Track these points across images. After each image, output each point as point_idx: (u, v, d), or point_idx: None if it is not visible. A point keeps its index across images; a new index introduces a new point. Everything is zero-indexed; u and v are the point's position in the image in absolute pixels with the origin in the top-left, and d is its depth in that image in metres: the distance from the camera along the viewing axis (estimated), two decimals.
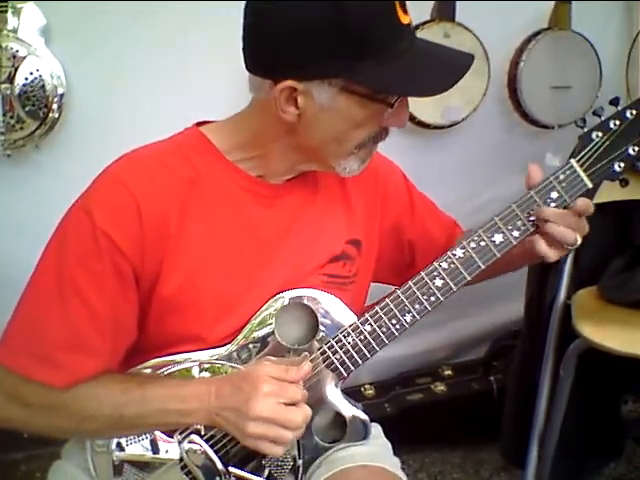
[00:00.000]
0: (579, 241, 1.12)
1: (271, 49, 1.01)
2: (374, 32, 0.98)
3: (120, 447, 1.10)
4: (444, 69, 1.03)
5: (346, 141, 1.06)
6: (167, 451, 1.10)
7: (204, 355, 1.10)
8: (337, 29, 0.96)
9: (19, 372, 1.03)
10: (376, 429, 1.25)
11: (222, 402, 1.01)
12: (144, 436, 1.10)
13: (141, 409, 1.03)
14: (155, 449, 1.10)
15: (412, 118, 2.07)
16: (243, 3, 1.04)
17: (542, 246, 1.12)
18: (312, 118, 1.03)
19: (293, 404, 0.99)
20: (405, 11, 1.02)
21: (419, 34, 2.00)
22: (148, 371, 1.10)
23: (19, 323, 1.05)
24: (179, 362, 1.09)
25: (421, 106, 2.05)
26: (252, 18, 1.03)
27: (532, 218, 1.12)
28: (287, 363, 1.06)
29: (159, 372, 1.09)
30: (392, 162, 1.31)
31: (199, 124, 1.14)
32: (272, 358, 1.09)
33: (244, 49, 1.05)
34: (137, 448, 1.10)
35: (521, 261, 1.27)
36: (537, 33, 2.18)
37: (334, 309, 1.12)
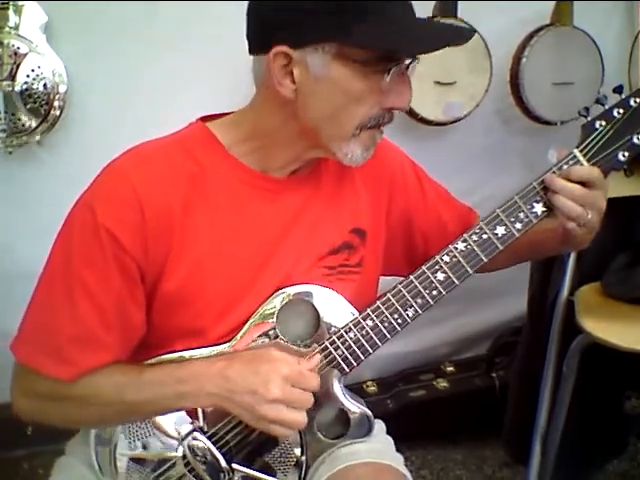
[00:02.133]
0: (589, 215, 1.08)
1: (263, 12, 1.02)
2: None
3: (124, 444, 1.10)
4: (441, 32, 1.04)
5: (346, 119, 1.04)
6: (170, 448, 1.10)
7: (206, 352, 1.09)
8: None
9: (30, 366, 1.04)
10: (379, 426, 1.24)
11: (234, 385, 1.00)
12: (148, 433, 1.10)
13: (139, 392, 1.03)
14: (158, 446, 1.10)
15: (414, 114, 2.07)
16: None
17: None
18: (309, 92, 1.02)
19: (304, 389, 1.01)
20: None
21: None
22: None
23: (31, 318, 1.06)
24: (184, 359, 1.08)
25: (423, 102, 2.04)
26: None
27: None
28: (294, 353, 1.06)
29: None
30: (400, 150, 1.29)
31: (204, 119, 1.13)
32: (281, 342, 1.09)
33: (247, 29, 1.05)
34: (141, 445, 1.10)
35: (557, 245, 1.22)
36: (539, 29, 2.18)
37: (335, 304, 1.11)
